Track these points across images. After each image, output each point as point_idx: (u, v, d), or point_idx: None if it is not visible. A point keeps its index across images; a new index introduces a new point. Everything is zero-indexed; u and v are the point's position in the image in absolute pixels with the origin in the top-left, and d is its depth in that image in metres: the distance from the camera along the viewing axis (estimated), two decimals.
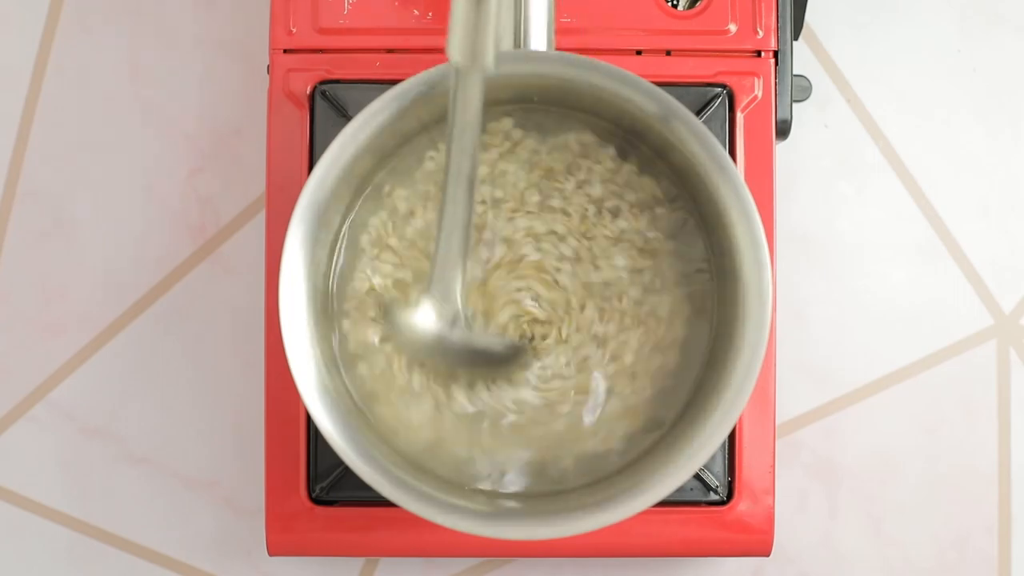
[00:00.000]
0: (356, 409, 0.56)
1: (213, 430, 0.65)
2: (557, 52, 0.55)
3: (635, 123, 0.56)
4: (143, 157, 0.65)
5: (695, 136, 0.54)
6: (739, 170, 0.59)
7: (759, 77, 0.60)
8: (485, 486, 0.56)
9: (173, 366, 0.65)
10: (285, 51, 0.60)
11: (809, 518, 0.65)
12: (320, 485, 0.59)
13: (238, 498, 0.65)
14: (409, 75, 0.52)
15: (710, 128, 0.58)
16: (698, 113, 0.59)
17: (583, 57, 0.54)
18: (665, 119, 0.54)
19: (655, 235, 0.57)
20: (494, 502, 0.55)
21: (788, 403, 0.65)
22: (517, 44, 0.56)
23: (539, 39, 0.56)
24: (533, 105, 0.57)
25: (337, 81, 0.59)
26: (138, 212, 0.65)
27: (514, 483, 0.57)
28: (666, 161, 0.57)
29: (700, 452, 0.53)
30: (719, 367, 0.54)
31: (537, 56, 0.55)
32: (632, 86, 0.54)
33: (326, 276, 0.57)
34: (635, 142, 0.57)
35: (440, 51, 0.56)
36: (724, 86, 0.60)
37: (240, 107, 0.65)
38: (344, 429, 0.53)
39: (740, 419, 0.59)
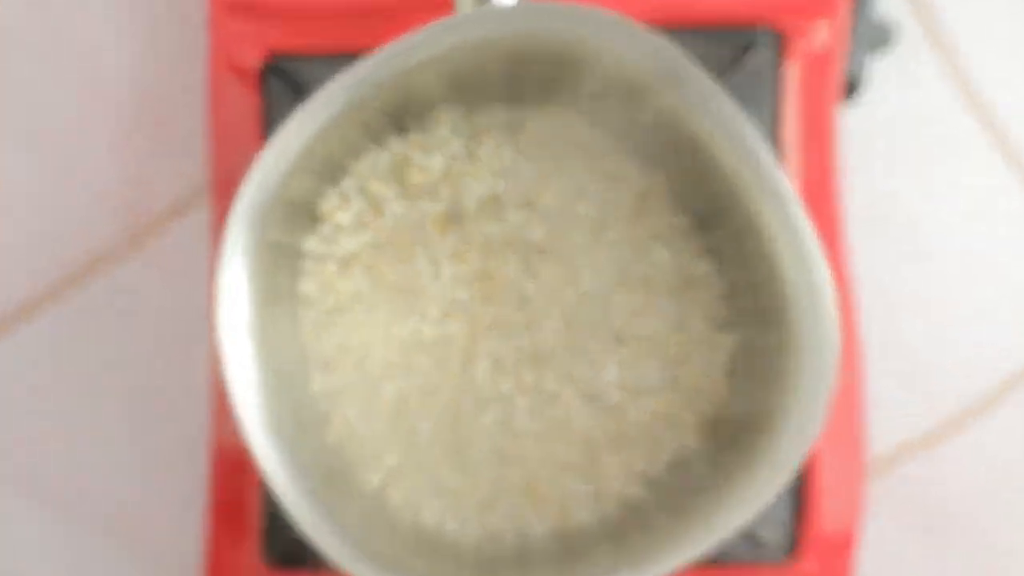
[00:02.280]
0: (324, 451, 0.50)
1: (138, 465, 0.59)
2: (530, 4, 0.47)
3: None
4: (64, 130, 0.60)
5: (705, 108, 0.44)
6: (791, 144, 0.51)
7: (825, 16, 0.50)
8: (465, 539, 0.51)
9: (85, 377, 0.59)
10: (230, 8, 0.52)
11: None
12: (278, 540, 0.52)
13: (165, 552, 0.59)
14: (381, 43, 0.47)
15: (751, 88, 0.50)
16: (732, 65, 0.50)
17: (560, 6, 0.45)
18: (671, 83, 0.44)
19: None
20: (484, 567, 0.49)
21: (882, 428, 0.60)
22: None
23: None
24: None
25: (294, 57, 0.52)
26: (57, 193, 0.60)
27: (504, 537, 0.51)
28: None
29: (741, 507, 0.45)
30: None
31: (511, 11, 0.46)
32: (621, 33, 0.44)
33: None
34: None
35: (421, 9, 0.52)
36: (770, 28, 0.50)
37: (177, 79, 0.60)
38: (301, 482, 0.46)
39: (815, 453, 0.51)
